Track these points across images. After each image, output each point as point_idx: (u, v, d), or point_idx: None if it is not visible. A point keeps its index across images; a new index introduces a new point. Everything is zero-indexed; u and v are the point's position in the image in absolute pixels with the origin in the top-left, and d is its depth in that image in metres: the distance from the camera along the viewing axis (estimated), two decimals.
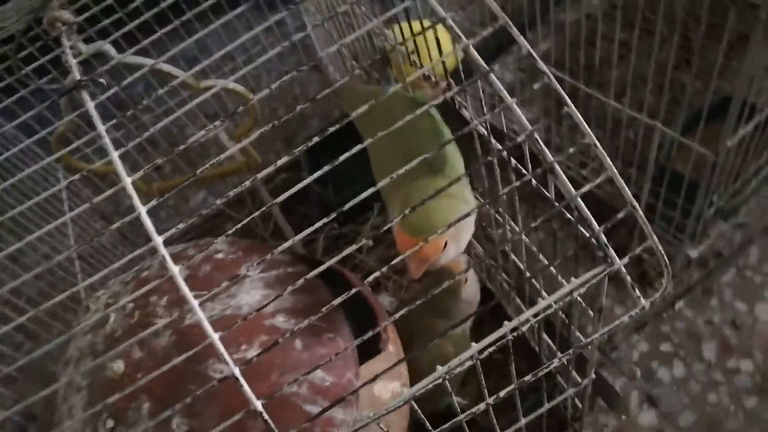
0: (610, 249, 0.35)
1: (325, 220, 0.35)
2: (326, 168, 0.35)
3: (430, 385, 0.34)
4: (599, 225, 0.35)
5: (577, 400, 0.64)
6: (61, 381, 0.46)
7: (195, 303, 0.34)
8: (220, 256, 0.50)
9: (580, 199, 0.35)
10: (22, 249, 0.42)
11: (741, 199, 0.71)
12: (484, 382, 0.39)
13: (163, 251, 0.34)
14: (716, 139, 0.62)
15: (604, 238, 0.35)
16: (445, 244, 0.45)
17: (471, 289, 0.64)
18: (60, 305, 0.60)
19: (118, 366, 0.44)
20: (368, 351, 0.51)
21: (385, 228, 0.40)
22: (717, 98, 0.81)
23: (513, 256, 0.65)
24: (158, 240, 0.34)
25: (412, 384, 0.43)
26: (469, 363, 0.35)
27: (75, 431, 0.44)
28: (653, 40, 0.62)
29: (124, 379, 0.43)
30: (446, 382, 0.34)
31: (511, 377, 0.42)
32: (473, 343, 0.34)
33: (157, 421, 0.42)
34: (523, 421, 0.46)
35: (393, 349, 0.54)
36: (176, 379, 0.43)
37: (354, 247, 0.36)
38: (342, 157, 0.35)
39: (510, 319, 0.35)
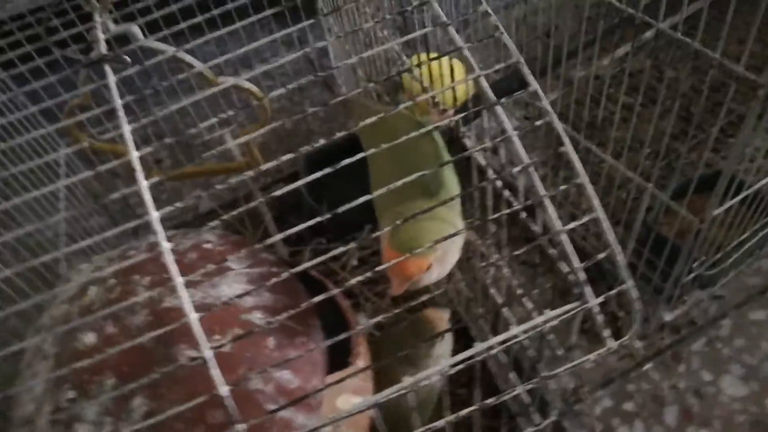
0: (588, 286, 0.37)
1: (310, 223, 0.36)
2: (324, 171, 0.36)
3: (393, 396, 0.35)
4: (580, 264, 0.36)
5: None
6: (27, 342, 0.46)
7: (180, 281, 0.34)
8: (208, 246, 0.51)
9: (564, 234, 0.36)
10: (12, 223, 0.42)
11: (720, 270, 0.73)
12: (449, 404, 0.40)
13: (157, 226, 0.35)
14: (703, 209, 0.64)
15: (583, 274, 0.36)
16: (430, 265, 0.47)
17: (445, 346, 0.64)
18: (42, 281, 0.60)
19: (89, 338, 0.44)
20: (338, 363, 0.52)
21: (371, 250, 0.41)
22: (709, 171, 0.84)
23: (492, 290, 0.66)
24: (154, 215, 0.35)
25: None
26: (437, 385, 0.35)
27: (34, 397, 0.44)
28: (655, 108, 0.65)
29: (93, 353, 0.44)
30: (410, 398, 0.35)
31: (474, 406, 0.43)
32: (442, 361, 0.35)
33: (117, 396, 0.42)
34: None
35: (361, 363, 0.54)
36: (145, 360, 0.43)
37: (338, 252, 0.37)
38: (343, 162, 0.36)
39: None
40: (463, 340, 0.73)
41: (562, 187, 0.38)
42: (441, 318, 0.62)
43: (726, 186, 0.59)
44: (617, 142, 0.74)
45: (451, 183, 0.51)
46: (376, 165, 0.54)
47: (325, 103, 0.39)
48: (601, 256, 0.36)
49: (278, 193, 0.37)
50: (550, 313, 0.36)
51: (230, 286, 0.47)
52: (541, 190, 0.37)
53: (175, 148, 1.04)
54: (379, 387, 0.56)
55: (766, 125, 0.55)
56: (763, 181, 0.66)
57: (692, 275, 0.69)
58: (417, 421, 0.39)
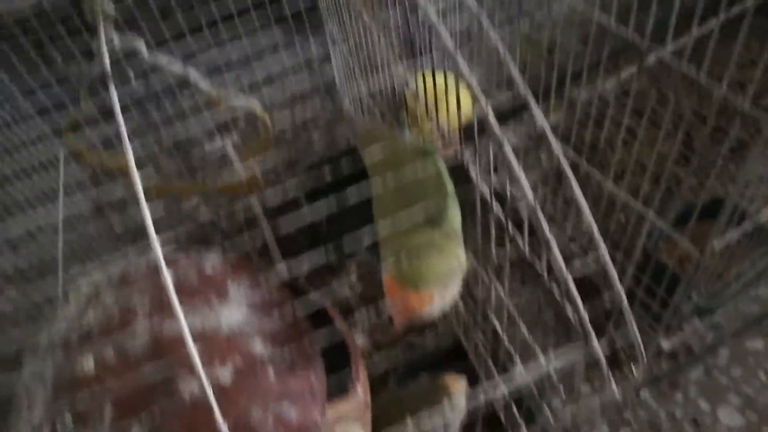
0: (593, 335, 0.36)
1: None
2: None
3: None
4: (582, 300, 0.36)
5: None
6: (25, 368, 0.46)
7: (181, 315, 0.34)
8: (208, 270, 0.50)
9: (571, 281, 0.36)
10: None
11: (719, 300, 0.73)
12: None
13: (159, 255, 0.34)
14: (704, 238, 0.63)
15: (587, 322, 0.36)
16: (431, 297, 0.46)
17: (457, 412, 0.60)
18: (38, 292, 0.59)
19: (88, 364, 0.44)
20: (338, 388, 0.51)
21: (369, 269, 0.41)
22: (710, 198, 0.84)
23: (493, 320, 0.65)
24: (156, 244, 0.34)
25: None
26: None
27: (33, 423, 0.43)
28: (658, 133, 0.65)
29: (92, 380, 0.43)
30: None
31: None
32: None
33: (115, 426, 0.42)
34: None
35: (360, 391, 0.54)
36: (144, 388, 0.42)
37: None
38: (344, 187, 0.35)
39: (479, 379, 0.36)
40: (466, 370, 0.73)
41: (569, 232, 0.38)
42: (458, 385, 0.61)
43: (729, 215, 0.59)
44: (619, 165, 0.74)
45: (454, 214, 0.51)
46: (379, 190, 0.53)
47: (329, 124, 0.39)
48: (607, 304, 0.35)
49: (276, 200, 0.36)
50: (554, 361, 0.35)
51: (231, 311, 0.46)
52: (547, 231, 0.37)
53: (176, 157, 1.03)
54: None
55: None
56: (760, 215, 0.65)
57: (691, 304, 0.69)
58: None
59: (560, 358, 0.36)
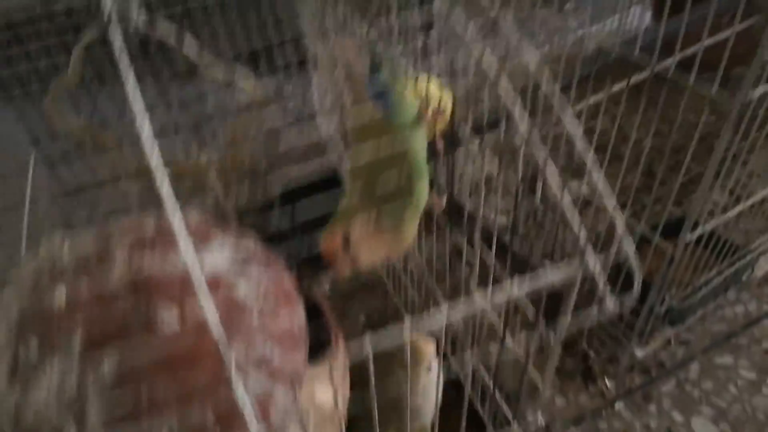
0: (590, 250, 0.37)
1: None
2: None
3: None
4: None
5: None
6: None
7: (184, 236, 0.33)
8: (192, 222, 0.49)
9: (568, 200, 0.37)
10: None
11: (689, 306, 0.74)
12: None
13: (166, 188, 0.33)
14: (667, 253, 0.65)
15: (585, 238, 0.37)
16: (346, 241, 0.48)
17: (432, 382, 0.59)
18: None
19: (60, 297, 0.41)
20: (315, 351, 0.50)
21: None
22: (671, 218, 0.87)
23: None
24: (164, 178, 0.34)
25: None
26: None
27: None
28: (621, 165, 0.68)
29: (62, 311, 0.41)
30: None
31: None
32: None
33: (86, 351, 0.39)
34: None
35: (340, 357, 0.52)
36: (119, 320, 0.40)
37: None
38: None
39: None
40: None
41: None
42: (428, 347, 0.59)
43: (691, 227, 0.61)
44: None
45: (422, 193, 0.51)
46: (356, 159, 0.54)
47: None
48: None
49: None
50: (551, 275, 0.35)
51: (213, 257, 0.45)
52: (544, 156, 0.38)
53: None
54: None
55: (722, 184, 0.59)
56: (715, 223, 0.67)
57: (664, 307, 0.70)
58: None
59: (558, 271, 0.36)
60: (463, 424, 0.46)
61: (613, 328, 0.76)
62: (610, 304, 0.36)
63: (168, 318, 0.41)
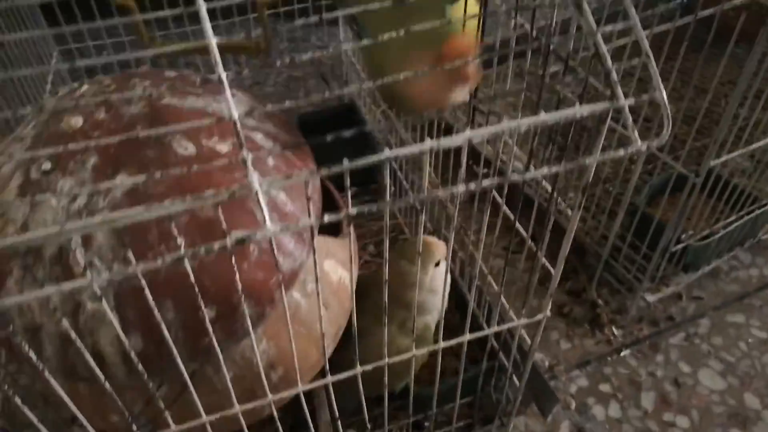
0: (619, 87, 0.36)
1: None
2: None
3: None
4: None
5: (510, 393, 0.60)
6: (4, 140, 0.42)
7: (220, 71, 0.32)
8: (210, 80, 0.49)
9: (601, 41, 0.36)
10: None
11: (703, 248, 0.72)
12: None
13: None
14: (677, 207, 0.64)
15: (615, 75, 0.36)
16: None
17: (439, 279, 0.58)
18: None
19: (76, 120, 0.41)
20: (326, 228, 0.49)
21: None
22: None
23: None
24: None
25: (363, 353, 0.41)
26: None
27: (3, 173, 0.40)
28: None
29: (77, 133, 0.40)
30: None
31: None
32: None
33: (98, 172, 0.38)
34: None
35: (350, 240, 0.51)
36: (134, 142, 0.40)
37: None
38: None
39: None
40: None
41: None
42: (438, 246, 0.58)
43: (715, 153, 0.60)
44: None
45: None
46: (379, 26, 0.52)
47: None
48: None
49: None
50: (580, 109, 0.34)
51: (233, 106, 0.45)
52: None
53: None
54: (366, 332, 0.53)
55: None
56: (737, 153, 0.65)
57: (679, 246, 0.68)
58: None
59: (589, 105, 0.35)
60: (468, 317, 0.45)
61: (624, 272, 0.75)
62: (638, 141, 0.35)
63: (182, 148, 0.40)
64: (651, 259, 0.69)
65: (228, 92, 0.31)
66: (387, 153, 0.31)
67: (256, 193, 0.28)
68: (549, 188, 0.82)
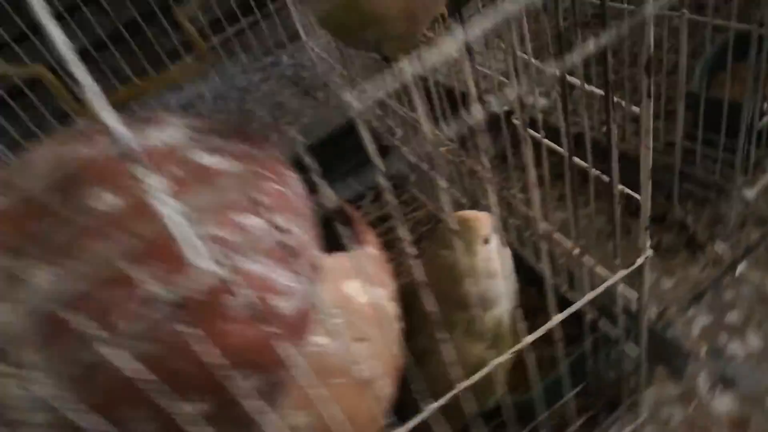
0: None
1: None
2: None
3: None
4: None
5: (628, 365, 0.48)
6: None
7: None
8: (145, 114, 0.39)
9: None
10: None
11: None
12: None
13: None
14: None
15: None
16: None
17: (494, 258, 0.45)
18: None
19: None
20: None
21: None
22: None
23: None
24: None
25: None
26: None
27: None
28: None
29: None
30: None
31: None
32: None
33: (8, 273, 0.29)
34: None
35: (374, 251, 0.40)
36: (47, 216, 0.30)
37: None
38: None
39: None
40: None
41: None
42: (481, 219, 0.46)
43: None
44: None
45: None
46: None
47: None
48: None
49: None
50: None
51: (167, 132, 0.34)
52: None
53: None
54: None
55: None
56: None
57: (764, 120, 0.55)
58: None
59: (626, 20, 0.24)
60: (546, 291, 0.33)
61: (707, 175, 0.62)
62: None
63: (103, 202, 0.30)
64: (735, 149, 0.56)
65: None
66: (347, 97, 0.20)
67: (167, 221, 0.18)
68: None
